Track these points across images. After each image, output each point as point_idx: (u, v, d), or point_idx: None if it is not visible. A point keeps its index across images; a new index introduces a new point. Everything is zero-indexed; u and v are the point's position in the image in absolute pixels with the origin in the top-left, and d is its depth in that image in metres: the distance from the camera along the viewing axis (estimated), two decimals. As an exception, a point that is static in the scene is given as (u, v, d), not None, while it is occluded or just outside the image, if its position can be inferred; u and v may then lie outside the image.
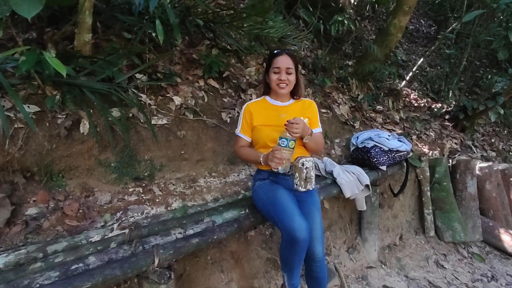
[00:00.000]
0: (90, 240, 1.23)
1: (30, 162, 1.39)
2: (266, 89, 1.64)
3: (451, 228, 2.82)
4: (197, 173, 1.89)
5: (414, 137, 3.39)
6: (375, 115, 3.38)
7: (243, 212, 1.55)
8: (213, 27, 2.28)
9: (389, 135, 2.45)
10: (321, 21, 3.40)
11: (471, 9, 4.24)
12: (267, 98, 1.63)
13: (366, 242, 2.41)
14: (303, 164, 1.42)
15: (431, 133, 3.71)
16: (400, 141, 2.46)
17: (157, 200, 1.61)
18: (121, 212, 1.46)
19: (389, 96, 3.89)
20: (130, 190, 1.62)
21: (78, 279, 0.99)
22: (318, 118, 1.65)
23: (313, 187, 1.51)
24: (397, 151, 2.36)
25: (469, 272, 2.53)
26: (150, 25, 1.82)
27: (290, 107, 1.59)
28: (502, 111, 3.86)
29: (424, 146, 3.30)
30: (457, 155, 3.47)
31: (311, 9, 3.41)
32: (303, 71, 3.20)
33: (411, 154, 2.68)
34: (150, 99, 1.84)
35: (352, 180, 2.04)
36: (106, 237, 1.26)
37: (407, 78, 4.41)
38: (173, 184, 1.75)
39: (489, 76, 5.03)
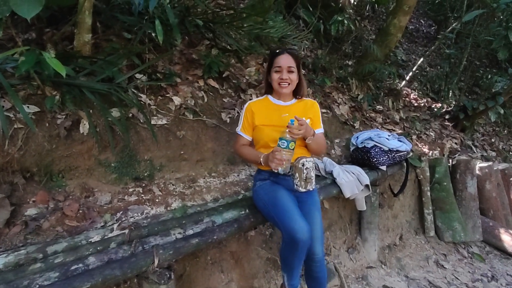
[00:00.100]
0: (90, 240, 1.23)
1: (30, 163, 1.39)
2: (268, 89, 1.63)
3: (451, 228, 2.82)
4: (196, 173, 1.89)
5: (414, 137, 3.39)
6: (375, 115, 3.38)
7: (243, 212, 1.55)
8: (212, 27, 2.28)
9: (389, 135, 2.45)
10: (321, 21, 3.40)
11: (471, 9, 4.24)
12: (270, 97, 1.61)
13: (366, 242, 2.41)
14: (303, 165, 1.42)
15: (431, 133, 3.71)
16: (400, 141, 2.46)
17: (157, 200, 1.61)
18: (121, 212, 1.46)
19: (389, 96, 3.89)
20: (130, 190, 1.62)
21: (77, 279, 0.98)
22: (321, 118, 1.63)
23: (313, 187, 1.50)
24: (397, 151, 2.36)
25: (469, 272, 2.53)
26: (149, 25, 1.82)
27: (293, 107, 1.58)
28: (502, 111, 3.86)
29: (424, 146, 3.30)
30: (457, 155, 3.47)
31: (311, 9, 3.41)
32: (303, 71, 3.19)
33: (411, 154, 2.68)
34: (149, 99, 1.84)
35: (352, 180, 2.04)
36: (106, 237, 1.26)
37: (407, 78, 4.41)
38: (172, 184, 1.75)
39: (489, 76, 5.03)
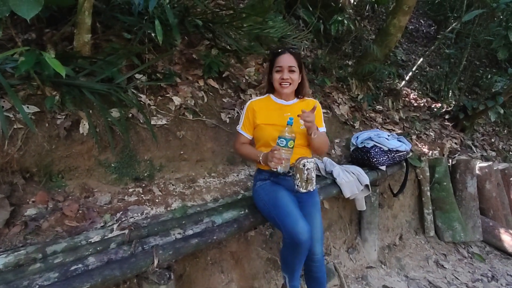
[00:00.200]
0: (89, 240, 1.23)
1: (30, 163, 1.39)
2: (270, 88, 1.62)
3: (451, 228, 2.82)
4: (196, 173, 1.89)
5: (414, 137, 3.39)
6: (375, 115, 3.38)
7: (242, 212, 1.55)
8: (212, 27, 2.28)
9: (388, 135, 2.45)
10: (321, 21, 3.40)
11: (471, 8, 4.24)
12: (271, 96, 1.61)
13: (366, 242, 2.41)
14: (304, 165, 1.42)
15: (431, 133, 3.71)
16: (400, 141, 2.46)
17: (156, 200, 1.61)
18: (121, 212, 1.46)
19: (388, 96, 3.89)
20: (130, 190, 1.62)
21: (77, 280, 0.98)
22: (322, 118, 1.63)
23: (314, 188, 1.50)
24: (397, 151, 2.36)
25: (469, 272, 2.53)
26: (149, 25, 1.82)
27: (294, 106, 1.57)
28: (502, 111, 3.86)
29: (424, 146, 3.30)
30: (457, 155, 3.47)
31: (311, 9, 3.41)
32: (303, 71, 3.19)
33: (410, 154, 2.68)
34: (149, 100, 1.84)
35: (352, 180, 2.04)
36: (105, 237, 1.26)
37: (407, 78, 4.41)
38: (172, 185, 1.75)
39: (489, 76, 5.03)
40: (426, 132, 3.66)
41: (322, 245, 1.44)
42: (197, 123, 1.97)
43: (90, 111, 1.56)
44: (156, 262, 1.13)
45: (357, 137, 2.47)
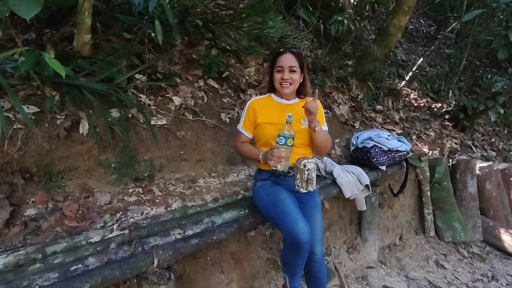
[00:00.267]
0: (89, 241, 1.23)
1: (29, 163, 1.39)
2: (271, 87, 1.61)
3: (451, 228, 2.82)
4: (196, 174, 1.88)
5: (414, 137, 3.39)
6: (375, 115, 3.38)
7: (242, 212, 1.55)
8: (212, 27, 2.28)
9: (388, 135, 2.45)
10: (321, 21, 3.40)
11: (471, 8, 4.24)
12: (273, 95, 1.60)
13: (366, 242, 2.41)
14: (304, 166, 1.42)
15: (431, 133, 3.71)
16: (400, 141, 2.45)
17: (156, 200, 1.61)
18: (120, 212, 1.46)
19: (389, 96, 3.89)
20: (130, 190, 1.62)
21: (77, 280, 0.98)
22: (324, 117, 1.62)
23: (314, 188, 1.50)
24: (397, 151, 2.36)
25: (469, 272, 2.53)
26: (149, 25, 1.82)
27: (296, 106, 1.56)
28: (502, 111, 3.86)
29: (424, 146, 3.29)
30: (457, 155, 3.47)
31: (311, 9, 3.41)
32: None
33: (411, 154, 2.68)
34: (149, 100, 1.84)
35: (352, 180, 2.04)
36: (105, 237, 1.26)
37: (407, 78, 4.41)
38: (172, 185, 1.75)
39: (489, 76, 5.03)
40: (426, 132, 3.66)
41: (322, 245, 1.44)
42: (197, 123, 1.97)
43: (90, 111, 1.56)
44: (156, 262, 1.13)
45: (357, 137, 2.47)
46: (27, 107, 1.40)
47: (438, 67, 5.47)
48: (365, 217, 2.40)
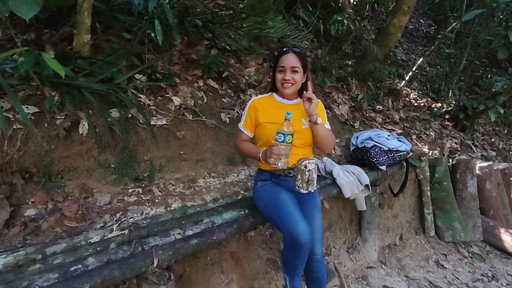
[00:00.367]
0: (89, 241, 1.23)
1: (29, 163, 1.39)
2: (273, 87, 1.60)
3: (451, 228, 2.82)
4: (196, 174, 1.88)
5: (414, 136, 3.39)
6: (375, 115, 3.38)
7: (242, 212, 1.55)
8: (212, 27, 2.28)
9: (388, 135, 2.45)
10: (320, 21, 3.40)
11: (471, 8, 4.24)
12: (274, 95, 1.59)
13: (366, 242, 2.40)
14: (305, 166, 1.41)
15: (431, 133, 3.71)
16: (400, 141, 2.45)
17: (156, 200, 1.61)
18: (120, 213, 1.46)
19: (388, 96, 3.89)
20: (130, 191, 1.62)
21: (76, 280, 0.98)
22: (326, 117, 1.61)
23: (315, 188, 1.50)
24: (397, 151, 2.36)
25: (469, 272, 2.53)
26: (149, 26, 1.81)
27: (297, 105, 1.55)
28: (502, 111, 3.86)
29: (424, 146, 3.29)
30: (457, 154, 3.47)
31: (310, 8, 3.41)
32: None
33: (411, 154, 2.68)
34: (149, 100, 1.83)
35: (352, 180, 2.04)
36: (105, 238, 1.26)
37: (407, 77, 4.41)
38: (172, 185, 1.75)
39: (489, 76, 5.03)
40: (426, 132, 3.66)
41: (322, 245, 1.44)
42: (197, 123, 1.97)
43: (90, 111, 1.56)
44: (155, 262, 1.13)
45: (357, 137, 2.47)
46: (27, 107, 1.40)
47: (438, 67, 5.47)
48: (365, 217, 2.40)
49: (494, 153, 4.17)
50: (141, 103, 1.78)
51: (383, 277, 2.26)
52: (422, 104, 4.44)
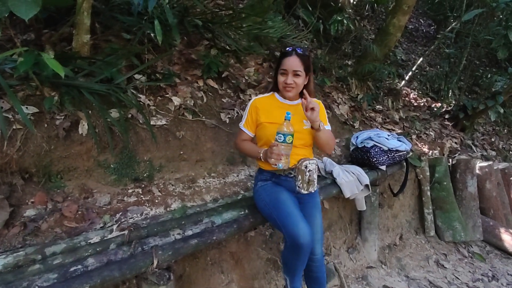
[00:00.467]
0: (89, 241, 1.23)
1: (29, 163, 1.39)
2: (275, 87, 1.58)
3: (451, 228, 2.82)
4: (196, 174, 1.88)
5: (413, 136, 3.39)
6: (375, 115, 3.38)
7: (242, 212, 1.55)
8: (211, 27, 2.28)
9: (388, 135, 2.45)
10: (320, 21, 3.40)
11: (471, 8, 4.24)
12: (276, 95, 1.57)
13: (366, 242, 2.40)
14: (306, 167, 1.41)
15: (431, 133, 3.71)
16: (400, 140, 2.45)
17: (156, 201, 1.60)
18: (120, 213, 1.46)
19: (388, 96, 3.89)
20: (130, 191, 1.61)
21: (76, 281, 0.98)
22: (327, 118, 1.61)
23: (315, 189, 1.50)
24: (397, 150, 2.36)
25: (469, 271, 2.53)
26: (149, 26, 1.81)
27: (298, 106, 1.54)
28: (502, 110, 3.86)
29: (424, 146, 3.29)
30: (457, 154, 3.47)
31: (310, 8, 3.40)
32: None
33: (410, 153, 2.68)
34: (149, 100, 1.83)
35: (352, 180, 2.04)
36: (105, 238, 1.26)
37: (407, 77, 4.41)
38: (172, 185, 1.75)
39: (489, 75, 5.03)
40: (426, 132, 3.66)
41: (322, 245, 1.44)
42: (197, 123, 1.97)
43: (89, 111, 1.56)
44: (155, 262, 1.13)
45: (357, 137, 2.47)
46: (26, 107, 1.40)
47: (438, 66, 5.47)
48: (365, 217, 2.40)
49: (494, 153, 4.17)
50: (141, 103, 1.78)
51: (383, 277, 2.26)
52: (422, 104, 4.44)
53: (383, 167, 2.33)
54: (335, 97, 3.17)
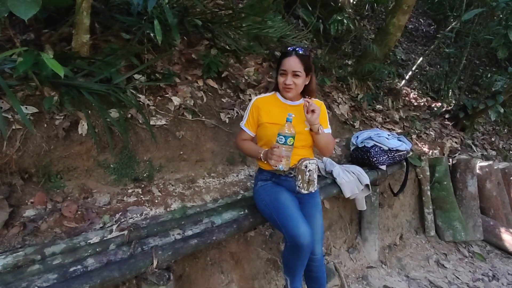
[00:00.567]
0: (88, 241, 1.22)
1: (28, 164, 1.39)
2: (277, 87, 1.56)
3: (451, 228, 2.82)
4: (196, 174, 1.88)
5: (414, 136, 3.38)
6: (375, 115, 3.38)
7: (242, 212, 1.55)
8: (211, 27, 2.28)
9: (388, 135, 2.44)
10: (320, 21, 3.40)
11: (471, 7, 4.24)
12: (278, 95, 1.56)
13: (366, 242, 2.40)
14: (306, 167, 1.41)
15: (431, 132, 3.70)
16: (400, 140, 2.45)
17: (156, 201, 1.60)
18: (120, 213, 1.45)
19: (388, 96, 3.89)
20: (129, 191, 1.61)
21: (76, 281, 0.98)
22: (328, 119, 1.60)
23: (316, 189, 1.50)
24: (397, 150, 2.36)
25: (470, 271, 2.52)
26: (148, 26, 1.81)
27: (300, 107, 1.53)
28: (502, 110, 3.86)
29: (424, 146, 3.29)
30: (457, 154, 3.47)
31: (310, 8, 3.40)
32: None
33: (411, 153, 2.68)
34: (148, 100, 1.83)
35: (352, 180, 2.04)
36: (105, 238, 1.26)
37: (407, 77, 4.41)
38: (172, 185, 1.74)
39: (489, 75, 5.03)
40: (426, 132, 3.66)
41: (322, 245, 1.44)
42: (197, 123, 1.97)
43: (89, 111, 1.55)
44: (155, 262, 1.13)
45: (357, 136, 2.47)
46: (26, 107, 1.40)
47: (438, 66, 5.47)
48: (365, 216, 2.40)
49: (494, 153, 4.16)
50: (141, 103, 1.78)
51: (383, 277, 2.26)
52: (422, 104, 4.44)
53: (383, 167, 2.33)
54: (335, 96, 3.16)
